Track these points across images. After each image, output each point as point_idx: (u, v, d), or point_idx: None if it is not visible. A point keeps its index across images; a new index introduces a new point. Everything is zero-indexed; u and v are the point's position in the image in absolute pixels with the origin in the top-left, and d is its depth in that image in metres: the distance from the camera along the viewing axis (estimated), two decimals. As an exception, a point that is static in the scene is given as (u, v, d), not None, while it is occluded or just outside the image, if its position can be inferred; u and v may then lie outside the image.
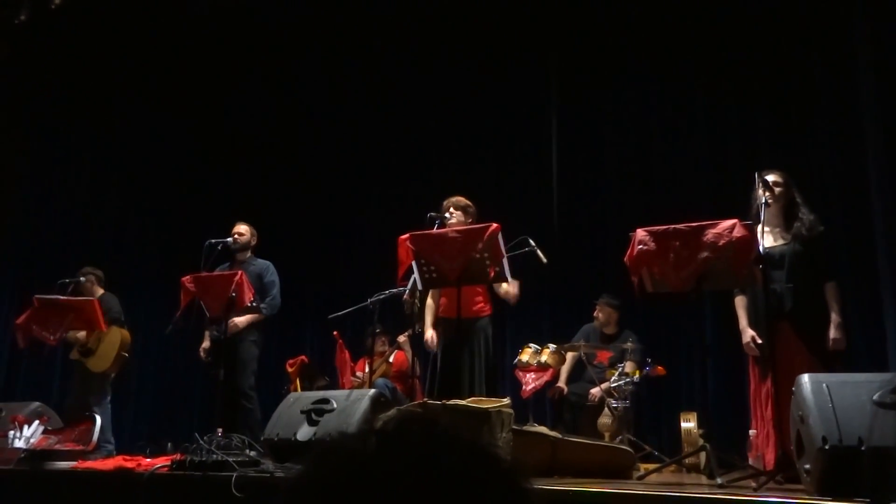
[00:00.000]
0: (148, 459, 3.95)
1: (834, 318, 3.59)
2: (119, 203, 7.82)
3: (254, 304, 4.77)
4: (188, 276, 4.50)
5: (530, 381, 4.89)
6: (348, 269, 7.41)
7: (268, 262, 5.47)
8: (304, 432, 3.53)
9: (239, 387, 5.09)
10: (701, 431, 4.32)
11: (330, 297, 6.99)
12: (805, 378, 2.61)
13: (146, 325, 7.21)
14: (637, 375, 4.91)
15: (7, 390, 6.69)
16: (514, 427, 3.32)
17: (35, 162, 7.40)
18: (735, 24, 5.96)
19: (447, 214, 4.50)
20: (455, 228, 4.15)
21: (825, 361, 3.47)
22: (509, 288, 4.42)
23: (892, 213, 4.75)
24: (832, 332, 3.57)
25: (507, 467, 0.66)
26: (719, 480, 2.82)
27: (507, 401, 3.34)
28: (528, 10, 6.85)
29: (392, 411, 3.15)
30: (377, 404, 3.56)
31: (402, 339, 6.17)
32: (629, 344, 5.09)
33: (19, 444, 4.23)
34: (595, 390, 5.19)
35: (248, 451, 3.63)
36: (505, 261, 3.77)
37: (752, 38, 5.91)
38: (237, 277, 4.41)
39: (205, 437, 3.60)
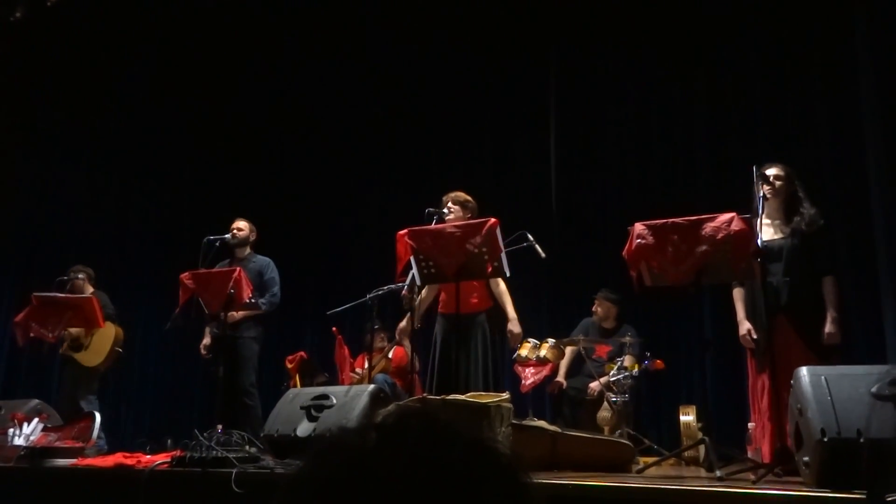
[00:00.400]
0: (148, 456, 3.94)
1: (830, 312, 3.60)
2: (118, 200, 7.81)
3: (252, 301, 4.77)
4: (187, 273, 4.50)
5: (529, 376, 4.89)
6: (347, 265, 7.41)
7: (268, 259, 5.47)
8: (304, 428, 3.53)
9: (240, 384, 5.09)
10: (700, 425, 4.32)
11: (329, 294, 6.99)
12: (803, 371, 2.61)
13: (146, 322, 7.21)
14: (636, 369, 4.92)
15: (7, 388, 6.69)
16: (514, 421, 3.33)
17: (34, 159, 7.39)
18: (734, 17, 5.95)
19: (446, 210, 4.49)
20: (453, 223, 4.15)
21: (821, 355, 3.48)
22: (504, 291, 4.45)
23: (891, 207, 4.75)
24: (827, 327, 3.57)
25: (506, 461, 0.66)
26: (718, 473, 2.83)
27: (506, 395, 3.34)
28: (528, 4, 6.84)
29: (391, 407, 3.15)
30: (376, 400, 3.57)
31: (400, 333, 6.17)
32: (628, 338, 5.10)
33: (19, 441, 4.23)
34: (594, 384, 5.19)
35: (247, 447, 3.63)
36: (503, 256, 3.77)
37: (752, 31, 5.91)
38: (235, 274, 4.41)
39: (205, 434, 3.60)
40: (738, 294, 3.85)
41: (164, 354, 7.50)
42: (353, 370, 6.17)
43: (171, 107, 7.83)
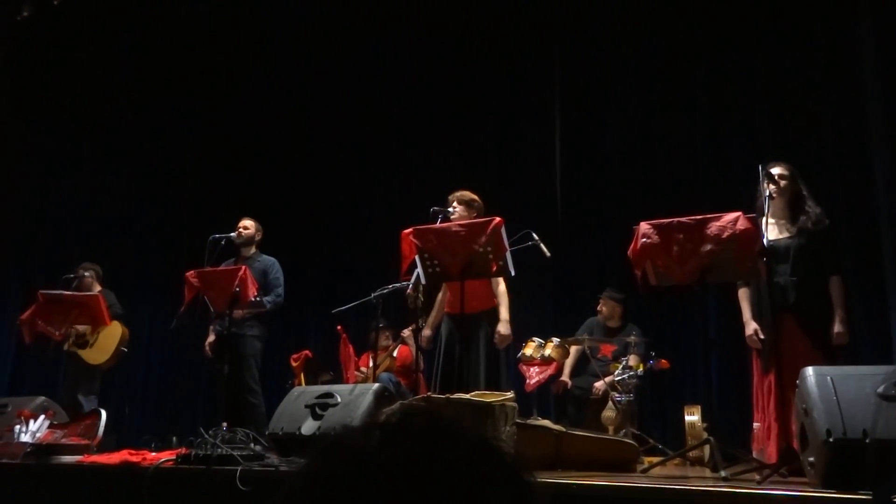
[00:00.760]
0: (153, 453, 3.96)
1: (839, 312, 3.59)
2: (123, 199, 7.83)
3: (257, 300, 4.78)
4: (192, 272, 4.51)
5: (534, 375, 4.89)
6: (352, 264, 7.41)
7: (273, 259, 5.47)
8: (309, 426, 3.54)
9: (243, 382, 5.10)
10: (705, 425, 4.31)
11: (333, 292, 6.99)
12: (809, 371, 2.60)
13: (151, 321, 7.23)
14: (641, 369, 4.91)
15: (13, 385, 6.73)
16: (518, 420, 3.33)
17: (39, 158, 7.42)
18: (739, 18, 5.93)
19: (451, 209, 4.48)
20: (458, 222, 4.14)
21: (828, 355, 3.47)
22: (503, 292, 4.44)
23: (896, 206, 4.73)
24: (836, 327, 3.56)
25: (510, 461, 0.66)
26: (723, 473, 2.82)
27: (510, 394, 3.35)
28: (533, 4, 6.83)
29: (396, 405, 3.15)
30: (381, 398, 3.57)
31: (405, 333, 6.18)
32: (633, 337, 5.09)
33: (25, 438, 4.25)
34: (599, 384, 5.19)
35: (252, 445, 3.64)
36: (508, 255, 3.76)
37: (757, 31, 5.88)
38: (241, 272, 4.41)
39: (209, 432, 3.61)
40: (743, 294, 3.83)
41: (170, 352, 7.53)
42: (357, 369, 6.18)
43: (176, 105, 7.85)
